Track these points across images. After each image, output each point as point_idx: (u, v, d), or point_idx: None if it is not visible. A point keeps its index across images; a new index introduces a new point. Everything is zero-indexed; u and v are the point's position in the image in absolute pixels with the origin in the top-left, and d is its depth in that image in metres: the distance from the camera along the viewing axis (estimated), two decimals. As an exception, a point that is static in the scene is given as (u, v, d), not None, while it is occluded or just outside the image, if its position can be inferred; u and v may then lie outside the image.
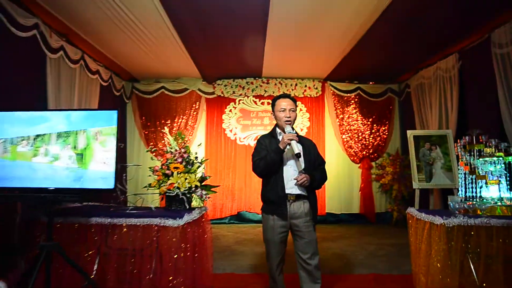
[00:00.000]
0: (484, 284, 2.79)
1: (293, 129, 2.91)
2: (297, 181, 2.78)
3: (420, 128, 6.89)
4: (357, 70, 7.36)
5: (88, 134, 2.66)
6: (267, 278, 3.08)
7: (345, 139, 8.00)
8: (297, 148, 2.71)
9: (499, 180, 3.06)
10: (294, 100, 3.01)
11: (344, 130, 8.00)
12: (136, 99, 7.87)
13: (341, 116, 8.03)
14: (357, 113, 8.05)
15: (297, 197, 2.85)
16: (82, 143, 2.66)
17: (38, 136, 2.65)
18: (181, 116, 7.83)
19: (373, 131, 8.04)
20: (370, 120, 8.05)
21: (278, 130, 3.03)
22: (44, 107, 4.66)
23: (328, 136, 8.09)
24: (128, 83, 7.72)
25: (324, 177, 3.03)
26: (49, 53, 4.72)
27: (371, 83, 8.11)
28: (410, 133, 5.91)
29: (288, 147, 2.78)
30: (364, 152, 7.98)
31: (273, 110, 3.04)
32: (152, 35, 5.39)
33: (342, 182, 7.99)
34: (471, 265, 2.84)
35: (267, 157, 2.81)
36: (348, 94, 8.06)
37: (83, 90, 5.67)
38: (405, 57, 6.49)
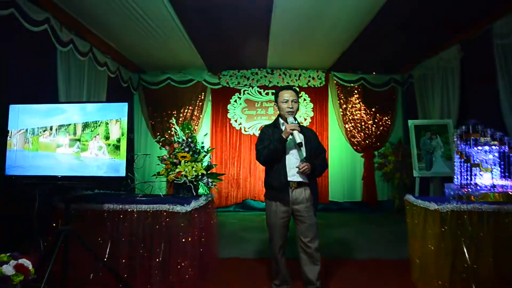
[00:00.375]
0: (475, 266, 2.94)
1: (295, 119, 3.05)
2: (299, 169, 2.92)
3: (422, 118, 6.97)
4: (360, 60, 7.43)
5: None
6: (270, 262, 3.24)
7: (348, 129, 8.12)
8: (299, 137, 2.85)
9: (491, 168, 3.19)
10: (296, 91, 3.14)
11: (347, 120, 8.12)
12: (143, 90, 8.04)
13: (344, 106, 8.14)
14: (360, 103, 8.15)
15: (299, 184, 2.99)
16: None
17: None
18: (187, 107, 7.99)
19: (376, 120, 8.14)
20: (373, 110, 8.15)
21: (281, 120, 3.16)
22: (55, 99, 4.84)
23: (332, 126, 8.21)
24: (135, 75, 7.86)
25: (324, 166, 3.18)
26: (59, 46, 4.87)
27: (374, 73, 8.18)
28: (411, 123, 6.03)
29: (290, 136, 2.92)
30: (367, 142, 8.11)
31: (276, 101, 3.17)
32: (158, 28, 5.50)
33: (345, 171, 8.14)
34: (464, 248, 3.00)
35: (270, 146, 2.95)
36: (352, 84, 8.15)
37: (92, 82, 5.82)
38: (408, 47, 6.54)
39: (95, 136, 2.81)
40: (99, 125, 2.80)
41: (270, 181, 3.05)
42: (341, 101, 8.14)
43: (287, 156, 3.00)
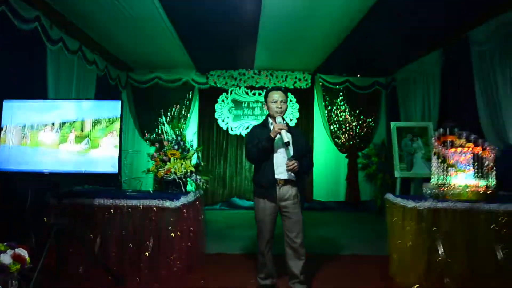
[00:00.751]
0: (449, 260, 3.13)
1: (283, 119, 3.17)
2: (287, 167, 3.04)
3: (405, 120, 7.20)
4: (345, 63, 7.62)
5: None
6: (256, 257, 3.35)
7: (333, 130, 8.31)
8: (286, 137, 2.97)
9: (465, 169, 3.38)
10: (285, 92, 3.26)
11: (332, 121, 8.31)
12: (131, 88, 8.08)
13: (329, 107, 8.32)
14: (345, 104, 8.35)
15: (286, 181, 3.11)
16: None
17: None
18: (175, 105, 8.06)
19: (360, 122, 8.35)
20: (358, 111, 8.36)
21: (270, 120, 3.27)
22: (44, 96, 4.88)
23: (317, 127, 8.39)
24: (123, 73, 7.89)
25: (310, 164, 3.32)
26: (49, 44, 4.90)
27: (359, 76, 8.39)
28: (393, 125, 6.24)
29: (278, 136, 3.04)
30: (351, 142, 8.31)
31: (265, 101, 3.29)
32: (147, 27, 5.55)
33: (329, 170, 8.33)
34: (439, 243, 3.18)
35: (259, 145, 3.07)
36: (337, 86, 8.34)
37: (81, 80, 5.87)
38: (392, 52, 6.73)
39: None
40: (94, 122, 2.90)
41: (258, 178, 3.16)
42: (326, 102, 8.33)
43: (275, 155, 3.11)
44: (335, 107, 8.34)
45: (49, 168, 2.90)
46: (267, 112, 3.28)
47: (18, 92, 4.17)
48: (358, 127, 8.35)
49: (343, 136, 8.31)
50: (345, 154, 8.39)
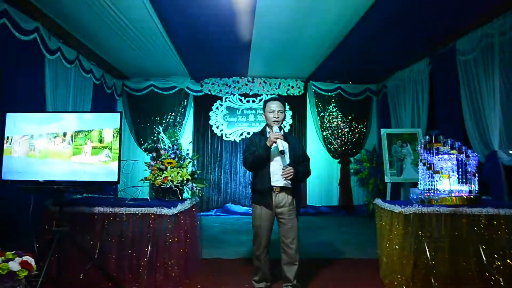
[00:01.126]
0: (433, 262, 3.28)
1: (281, 129, 3.29)
2: (283, 173, 3.15)
3: (396, 126, 7.39)
4: (337, 71, 7.80)
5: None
6: (251, 262, 3.46)
7: (326, 136, 8.48)
8: (282, 146, 3.09)
9: (449, 175, 3.54)
10: (283, 102, 3.39)
11: (324, 127, 8.48)
12: (126, 96, 8.21)
13: (322, 114, 8.50)
14: (337, 111, 8.54)
15: (282, 188, 3.22)
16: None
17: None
18: (170, 113, 8.20)
19: (352, 128, 8.54)
20: (349, 118, 8.55)
21: (268, 129, 3.39)
22: (42, 105, 5.00)
23: (310, 133, 8.56)
24: (119, 81, 8.03)
25: (307, 172, 3.42)
26: (47, 54, 5.04)
27: (350, 83, 8.59)
28: (383, 131, 6.41)
29: (274, 144, 3.16)
30: (343, 148, 8.48)
31: (263, 111, 3.42)
32: (143, 36, 5.70)
33: (322, 176, 8.49)
34: (425, 246, 3.34)
35: (256, 153, 3.20)
36: (329, 93, 8.53)
37: (78, 88, 6.01)
38: (382, 59, 6.93)
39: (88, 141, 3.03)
40: (95, 133, 3.03)
41: (255, 185, 3.29)
42: (319, 109, 8.50)
43: (271, 163, 3.22)
44: (327, 114, 8.52)
45: (49, 178, 3.02)
46: (265, 121, 3.40)
47: (17, 100, 4.33)
48: (350, 133, 8.53)
49: (336, 142, 8.48)
50: (338, 160, 8.55)
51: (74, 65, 5.81)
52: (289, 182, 3.21)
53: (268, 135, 3.30)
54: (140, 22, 5.19)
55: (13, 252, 2.38)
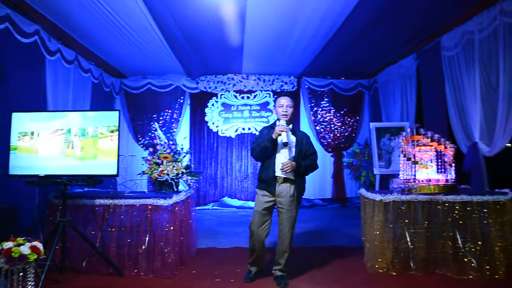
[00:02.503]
0: (412, 247, 3.53)
1: (289, 123, 3.49)
2: (281, 167, 3.35)
3: (386, 120, 7.62)
4: (329, 66, 7.99)
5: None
6: (245, 250, 3.66)
7: (319, 130, 8.71)
8: (286, 138, 3.30)
9: (427, 165, 3.79)
10: (292, 98, 3.60)
11: (317, 122, 8.71)
12: (124, 94, 8.43)
13: (315, 109, 8.73)
14: (330, 106, 8.76)
15: (285, 179, 3.43)
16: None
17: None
18: (167, 110, 8.42)
19: (344, 122, 8.76)
20: (342, 112, 8.78)
21: (277, 123, 3.58)
22: (44, 104, 5.23)
23: (303, 128, 8.71)
24: (117, 80, 8.24)
25: (313, 165, 3.62)
26: (48, 55, 5.25)
27: (343, 78, 8.81)
28: (372, 125, 6.65)
29: (280, 137, 3.36)
30: (336, 142, 8.71)
31: (274, 106, 3.63)
32: (139, 36, 5.89)
33: (316, 169, 8.68)
34: (405, 232, 3.59)
35: (261, 144, 3.41)
36: (322, 89, 8.75)
37: (77, 87, 6.22)
38: (372, 54, 7.11)
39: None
40: (97, 130, 3.26)
41: (261, 174, 3.51)
42: (312, 104, 8.73)
43: (277, 155, 3.44)
44: (320, 109, 8.74)
45: (55, 172, 3.25)
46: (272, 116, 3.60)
47: (20, 100, 4.55)
48: (343, 127, 8.76)
49: (329, 136, 8.71)
50: (331, 154, 8.78)
51: (73, 65, 6.02)
52: (292, 173, 3.40)
53: None
54: (136, 23, 5.38)
55: (23, 238, 2.63)
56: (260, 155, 3.46)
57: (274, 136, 3.34)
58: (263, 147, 3.38)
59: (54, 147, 3.28)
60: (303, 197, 3.61)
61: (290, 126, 3.49)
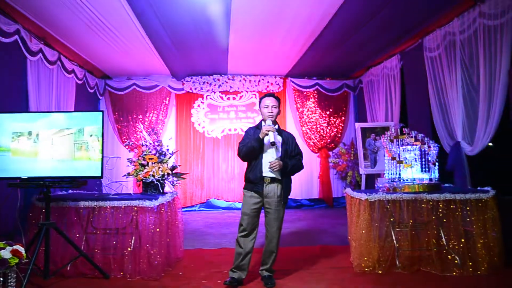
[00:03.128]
0: (397, 245, 3.57)
1: (275, 123, 3.50)
2: (270, 165, 3.36)
3: (371, 120, 7.70)
4: (315, 67, 8.05)
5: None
6: (231, 252, 3.62)
7: (305, 131, 8.75)
8: (273, 138, 3.29)
9: (411, 164, 3.84)
10: (277, 98, 3.59)
11: (303, 123, 8.75)
12: (109, 95, 8.34)
13: (301, 109, 8.77)
14: (316, 106, 8.81)
15: (272, 180, 3.42)
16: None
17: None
18: (152, 111, 8.37)
19: (330, 123, 8.82)
20: (328, 113, 8.83)
21: (263, 123, 3.56)
22: (25, 106, 5.13)
23: (289, 128, 8.74)
24: (101, 81, 8.16)
25: (299, 165, 3.62)
26: (29, 56, 5.16)
27: (328, 79, 8.87)
28: (358, 125, 6.72)
29: (267, 137, 3.36)
30: (322, 142, 8.76)
31: (259, 107, 3.63)
32: (123, 36, 5.86)
33: (303, 170, 8.71)
34: (391, 230, 3.63)
35: (248, 144, 3.40)
36: (308, 89, 8.79)
37: (61, 88, 6.13)
38: (356, 55, 7.20)
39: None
40: (79, 131, 3.22)
41: (248, 174, 3.49)
42: (298, 105, 8.77)
43: (264, 155, 3.43)
44: (306, 109, 8.78)
45: (37, 174, 3.20)
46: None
47: (1, 101, 4.45)
48: (329, 127, 8.81)
49: (315, 136, 8.75)
50: (317, 154, 8.83)
51: (56, 65, 5.94)
52: (279, 173, 3.40)
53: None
54: (120, 22, 5.34)
55: (3, 242, 2.57)
56: (247, 155, 3.45)
57: (261, 136, 3.34)
58: (250, 147, 3.37)
59: (37, 149, 3.22)
60: (289, 197, 3.60)
61: (276, 126, 3.49)
